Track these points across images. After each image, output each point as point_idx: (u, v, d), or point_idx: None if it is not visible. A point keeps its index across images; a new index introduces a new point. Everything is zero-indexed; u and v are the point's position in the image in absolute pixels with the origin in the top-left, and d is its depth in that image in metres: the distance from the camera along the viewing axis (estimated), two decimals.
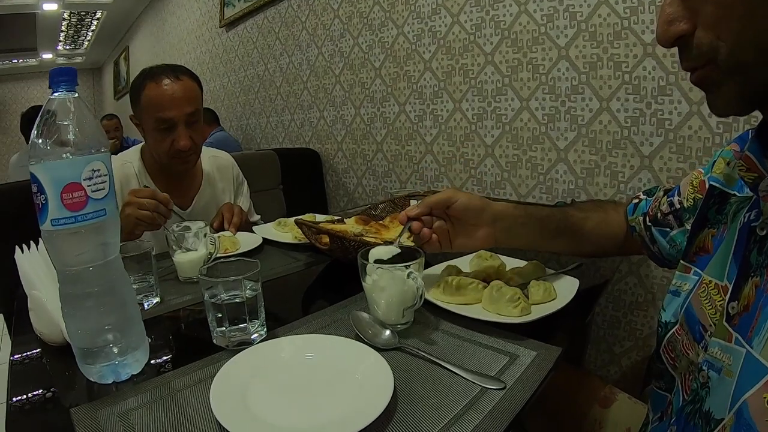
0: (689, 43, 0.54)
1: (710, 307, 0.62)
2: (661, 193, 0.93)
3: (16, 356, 0.85)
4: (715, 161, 0.77)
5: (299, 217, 1.37)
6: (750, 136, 0.65)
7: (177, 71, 1.54)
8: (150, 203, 1.27)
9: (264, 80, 3.62)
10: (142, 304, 0.99)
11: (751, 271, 0.57)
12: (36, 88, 9.31)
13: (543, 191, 2.01)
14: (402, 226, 0.94)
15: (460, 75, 2.25)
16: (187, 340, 0.94)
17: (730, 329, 0.56)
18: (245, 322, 0.81)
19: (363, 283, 0.87)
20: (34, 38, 7.37)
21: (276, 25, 3.37)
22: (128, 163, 1.64)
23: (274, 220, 1.62)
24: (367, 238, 1.18)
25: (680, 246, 0.83)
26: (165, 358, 0.82)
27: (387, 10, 2.54)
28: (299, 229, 1.31)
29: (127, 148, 4.36)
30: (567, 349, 0.80)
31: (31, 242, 0.91)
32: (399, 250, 0.89)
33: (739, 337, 0.54)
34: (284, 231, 1.51)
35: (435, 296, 0.95)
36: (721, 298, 0.61)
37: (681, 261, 0.74)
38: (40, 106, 0.66)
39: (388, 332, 0.82)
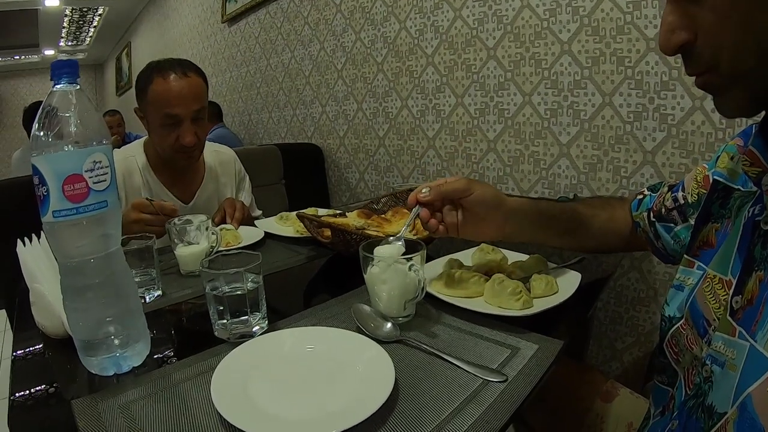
0: (691, 50, 0.55)
1: (714, 301, 0.62)
2: (666, 189, 0.92)
3: (17, 351, 0.85)
4: (719, 156, 0.77)
5: (301, 211, 1.37)
6: (753, 131, 0.65)
7: (185, 67, 1.54)
8: (158, 219, 1.27)
9: (266, 75, 3.62)
10: (144, 297, 0.99)
11: (755, 265, 0.57)
12: (38, 84, 9.32)
13: (545, 186, 2.01)
14: (408, 214, 0.92)
15: (462, 70, 2.24)
16: (189, 333, 0.94)
17: (733, 323, 0.56)
18: (246, 315, 0.81)
19: (364, 276, 0.87)
20: (36, 34, 7.38)
21: (278, 20, 3.36)
22: (131, 156, 1.64)
23: (276, 215, 1.62)
24: (369, 232, 1.18)
25: (684, 241, 0.83)
26: (166, 350, 0.82)
27: (389, 4, 2.53)
28: (301, 223, 1.31)
29: (129, 143, 4.33)
30: (568, 344, 0.80)
31: (33, 235, 0.91)
32: (404, 250, 0.87)
33: (743, 331, 0.54)
34: (286, 225, 1.51)
35: (437, 289, 0.95)
36: (725, 293, 0.60)
37: (685, 256, 0.74)
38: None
39: (389, 325, 0.81)
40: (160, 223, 1.25)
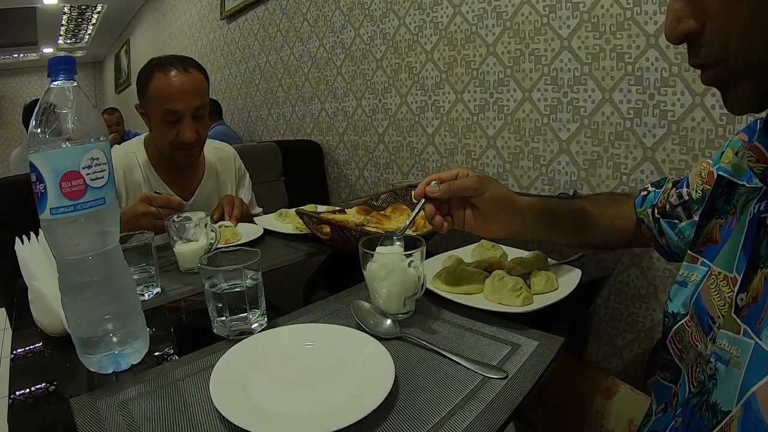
0: (698, 40, 0.53)
1: (719, 298, 0.61)
2: (670, 185, 0.92)
3: (16, 349, 0.85)
4: (723, 151, 0.76)
5: (300, 207, 1.36)
6: (758, 127, 0.65)
7: (186, 63, 1.54)
8: (166, 213, 1.27)
9: (265, 72, 3.61)
10: (142, 295, 0.99)
11: (761, 262, 0.56)
12: (37, 82, 9.30)
13: (545, 183, 2.01)
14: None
15: (461, 66, 2.24)
16: (188, 330, 0.94)
17: (738, 321, 0.55)
18: (245, 312, 0.81)
19: (364, 272, 0.86)
20: (34, 32, 7.35)
21: (277, 16, 3.36)
22: (131, 153, 1.64)
23: (275, 212, 1.61)
24: (368, 228, 1.17)
25: (688, 238, 0.82)
26: (165, 348, 0.81)
27: (389, 0, 2.53)
28: (300, 220, 1.31)
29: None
30: (569, 341, 0.79)
31: (31, 233, 0.91)
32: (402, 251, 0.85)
33: (748, 329, 0.53)
34: (285, 222, 1.51)
35: (436, 286, 0.95)
36: (729, 290, 0.60)
37: (688, 251, 0.73)
38: None
39: (389, 321, 0.81)
40: (167, 216, 1.24)
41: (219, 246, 1.17)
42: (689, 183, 0.85)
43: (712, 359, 0.58)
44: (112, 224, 0.71)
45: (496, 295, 0.89)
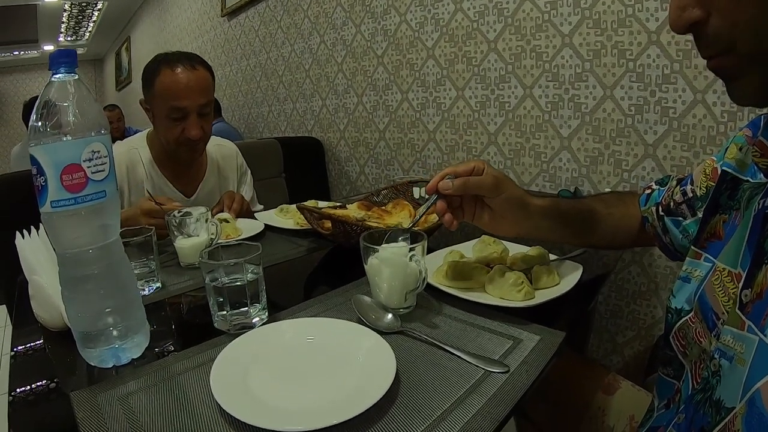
0: (704, 29, 0.52)
1: (723, 294, 0.61)
2: (674, 183, 0.91)
3: (17, 345, 0.85)
4: (727, 147, 0.76)
5: (301, 203, 1.36)
6: (762, 122, 0.64)
7: (193, 60, 1.54)
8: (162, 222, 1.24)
9: (266, 69, 3.61)
10: (143, 289, 0.99)
11: (766, 258, 0.56)
12: (37, 79, 9.30)
13: (546, 179, 2.01)
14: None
15: (463, 63, 2.24)
16: (188, 325, 0.94)
17: (742, 317, 0.55)
18: (246, 306, 0.80)
19: (365, 266, 0.86)
20: (35, 30, 7.35)
21: (278, 13, 3.35)
22: (134, 149, 1.64)
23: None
24: (369, 223, 1.17)
25: (693, 236, 0.82)
26: (166, 342, 0.81)
27: None
28: (301, 215, 1.31)
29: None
30: (570, 337, 0.79)
31: (32, 227, 0.91)
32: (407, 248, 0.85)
33: (752, 325, 0.53)
34: (286, 217, 1.51)
35: (438, 280, 0.95)
36: (734, 286, 0.60)
37: (692, 247, 0.73)
38: None
39: (390, 316, 0.81)
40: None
41: (220, 241, 1.17)
42: (693, 180, 0.85)
43: (716, 355, 0.57)
44: (113, 217, 0.71)
45: (497, 290, 0.89)
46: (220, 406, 0.59)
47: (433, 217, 1.21)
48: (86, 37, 8.50)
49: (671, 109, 1.63)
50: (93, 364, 0.73)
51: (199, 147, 1.61)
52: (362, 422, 0.57)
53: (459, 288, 0.92)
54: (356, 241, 0.87)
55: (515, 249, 1.09)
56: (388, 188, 1.48)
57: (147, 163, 1.63)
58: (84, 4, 6.88)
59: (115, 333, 0.72)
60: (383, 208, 1.32)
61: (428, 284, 0.89)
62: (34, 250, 0.88)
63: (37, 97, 0.67)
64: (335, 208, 1.35)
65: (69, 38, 8.31)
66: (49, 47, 8.32)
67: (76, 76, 0.67)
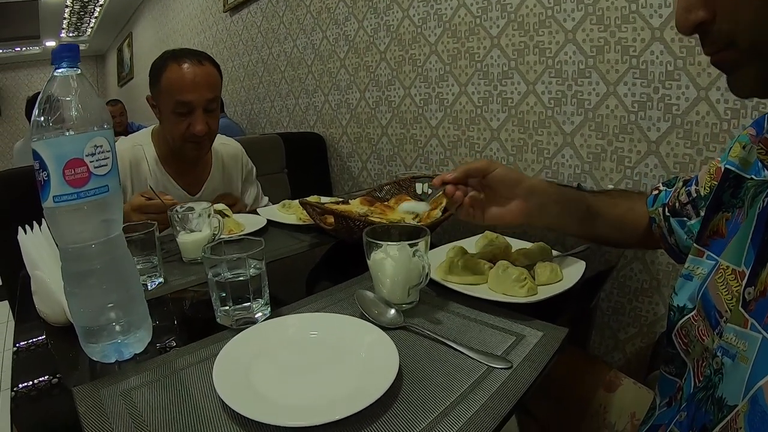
0: (709, 29, 0.53)
1: (726, 292, 0.61)
2: (681, 183, 0.91)
3: (19, 340, 0.85)
4: (731, 147, 0.75)
5: (304, 198, 1.36)
6: (767, 121, 0.64)
7: (200, 56, 1.55)
8: (163, 218, 1.21)
9: (268, 65, 3.60)
10: (146, 285, 0.99)
11: None
12: (39, 76, 9.29)
13: (549, 176, 2.00)
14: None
15: (465, 58, 2.23)
16: (191, 320, 0.94)
17: (745, 315, 0.55)
18: (249, 301, 0.81)
19: (368, 261, 0.86)
20: (36, 26, 7.35)
21: (280, 9, 3.34)
22: (138, 146, 1.64)
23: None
24: (372, 218, 1.17)
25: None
26: (168, 337, 0.81)
27: None
28: (304, 210, 1.31)
29: (132, 133, 4.32)
30: (572, 333, 0.79)
31: (34, 222, 0.91)
32: (429, 207, 0.94)
33: (755, 323, 0.53)
34: (289, 213, 1.51)
35: (441, 276, 0.95)
36: (737, 284, 0.60)
37: (694, 245, 0.73)
38: None
39: (393, 311, 0.81)
40: (163, 219, 1.21)
41: (222, 236, 1.17)
42: (698, 181, 0.85)
43: (718, 353, 0.57)
44: (116, 212, 0.71)
45: (500, 286, 0.89)
46: (222, 401, 0.59)
47: (436, 213, 1.21)
48: (88, 33, 8.50)
49: (674, 106, 1.62)
50: (95, 360, 0.73)
51: (204, 144, 1.61)
52: (365, 418, 0.57)
53: (462, 284, 0.92)
54: (359, 237, 0.86)
55: (518, 245, 1.09)
56: (391, 184, 1.47)
57: (151, 161, 1.63)
58: (85, 0, 6.87)
59: (117, 328, 0.72)
60: (386, 203, 1.32)
61: (431, 280, 0.89)
62: (36, 246, 0.88)
63: (39, 93, 0.67)
64: (338, 203, 1.35)
65: (71, 34, 8.31)
66: (50, 43, 8.32)
67: (79, 71, 0.67)
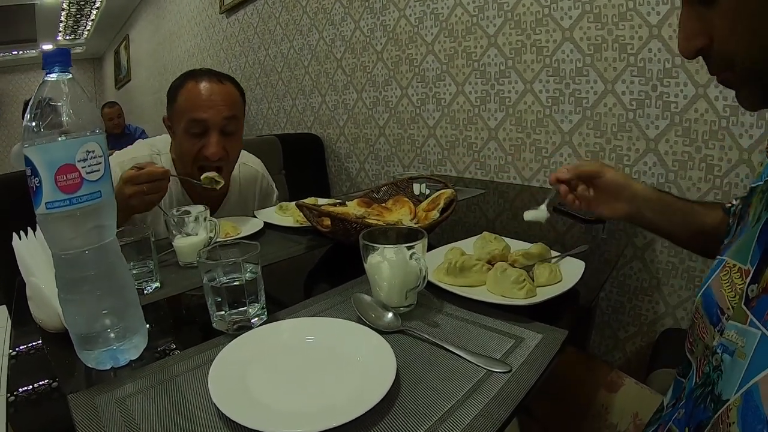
0: (710, 54, 0.59)
1: (730, 290, 0.61)
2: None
3: (15, 346, 0.85)
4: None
5: (301, 200, 1.35)
6: None
7: (221, 76, 1.44)
8: (154, 186, 1.19)
9: (265, 66, 3.60)
10: (141, 290, 0.98)
11: None
12: (36, 79, 9.25)
13: (547, 175, 2.00)
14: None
15: (462, 58, 2.23)
16: (187, 325, 0.93)
17: (747, 311, 0.55)
18: (245, 306, 0.80)
19: (365, 265, 0.85)
20: (33, 29, 7.34)
21: (276, 10, 3.34)
22: (156, 154, 1.54)
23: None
24: (369, 220, 1.16)
25: None
26: (164, 343, 0.80)
27: None
28: (301, 213, 1.30)
29: (129, 135, 4.30)
30: (572, 334, 0.78)
31: (29, 228, 0.90)
32: (548, 215, 1.00)
33: (755, 320, 0.53)
34: (286, 215, 1.50)
35: (439, 278, 0.94)
36: (741, 282, 0.60)
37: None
38: None
39: (390, 315, 0.80)
40: (157, 189, 1.19)
41: (218, 240, 1.16)
42: None
43: (718, 351, 0.57)
44: (109, 218, 0.70)
45: (498, 288, 0.88)
46: (218, 408, 0.58)
47: (434, 214, 1.20)
48: (85, 36, 8.49)
49: (673, 103, 1.62)
50: (91, 366, 0.72)
51: (222, 171, 1.43)
52: (362, 424, 0.56)
53: (460, 286, 0.92)
54: (356, 239, 0.86)
55: (517, 246, 1.08)
56: (389, 185, 1.47)
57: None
58: (82, 3, 6.87)
59: (112, 335, 0.71)
60: (383, 204, 1.31)
61: (429, 282, 0.88)
62: (31, 252, 0.87)
63: None
64: (335, 205, 1.34)
65: (68, 37, 8.30)
66: (47, 46, 8.31)
67: (70, 76, 0.66)
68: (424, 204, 1.29)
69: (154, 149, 1.56)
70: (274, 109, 3.59)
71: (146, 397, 0.65)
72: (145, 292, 0.99)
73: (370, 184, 2.85)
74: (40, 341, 0.84)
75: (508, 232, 1.17)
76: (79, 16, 7.41)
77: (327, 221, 1.19)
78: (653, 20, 1.61)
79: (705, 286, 0.66)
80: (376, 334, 0.74)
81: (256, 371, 0.67)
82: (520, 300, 0.85)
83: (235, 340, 0.73)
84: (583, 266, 0.97)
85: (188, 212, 1.15)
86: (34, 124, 0.63)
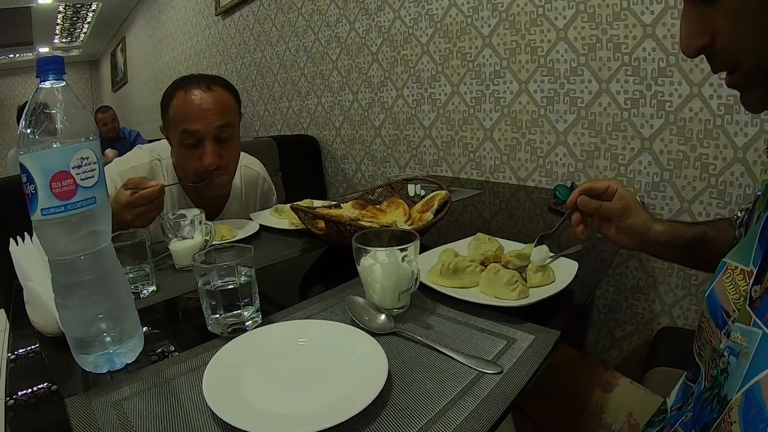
0: (712, 52, 0.58)
1: (734, 292, 0.61)
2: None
3: (14, 350, 0.85)
4: None
5: (296, 203, 1.36)
6: None
7: (210, 80, 1.42)
8: (152, 207, 1.19)
9: (261, 67, 3.60)
10: (137, 293, 0.98)
11: None
12: (33, 82, 9.21)
13: (542, 174, 2.00)
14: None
15: (457, 58, 2.23)
16: (183, 328, 0.94)
17: (751, 312, 0.55)
18: (239, 309, 0.80)
19: (358, 267, 0.86)
20: (29, 32, 7.32)
21: (272, 11, 3.34)
22: (156, 159, 1.53)
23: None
24: (362, 223, 1.17)
25: None
26: (160, 346, 0.81)
27: None
28: (295, 215, 1.30)
29: (124, 138, 4.28)
30: (567, 333, 0.79)
31: (26, 233, 0.91)
32: (550, 256, 1.00)
33: (757, 320, 0.53)
34: (281, 217, 1.50)
35: (432, 280, 0.94)
36: (745, 283, 0.60)
37: None
38: None
39: (383, 317, 0.81)
40: (156, 206, 1.19)
41: (214, 243, 1.16)
42: None
43: (725, 353, 0.57)
44: (104, 224, 0.71)
45: (491, 289, 0.89)
46: (212, 411, 0.59)
47: (428, 216, 1.21)
48: (81, 39, 8.48)
49: (667, 102, 1.63)
50: (88, 370, 0.73)
51: (221, 179, 1.44)
52: (354, 425, 0.57)
53: (453, 287, 0.92)
54: (350, 241, 0.86)
55: (510, 246, 1.09)
56: (383, 186, 1.47)
57: (168, 177, 1.52)
58: (78, 6, 6.86)
59: (108, 339, 0.72)
60: (378, 206, 1.32)
61: (422, 284, 0.89)
62: (27, 257, 0.87)
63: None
64: (330, 207, 1.34)
65: (64, 40, 8.29)
66: (44, 49, 8.31)
67: (64, 83, 0.67)
68: (418, 205, 1.29)
69: (154, 155, 1.54)
70: (270, 111, 3.60)
71: (142, 400, 0.65)
72: (141, 295, 0.99)
73: (366, 185, 2.86)
74: (37, 345, 0.84)
75: (504, 232, 1.18)
76: (75, 18, 7.40)
77: (321, 224, 1.20)
78: (647, 20, 1.62)
79: (709, 290, 0.67)
80: (369, 336, 0.74)
81: (250, 374, 0.68)
82: (512, 301, 0.85)
83: (229, 343, 0.74)
84: (577, 267, 0.97)
85: (184, 216, 1.16)
86: (28, 131, 0.63)
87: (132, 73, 7.53)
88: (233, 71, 3.98)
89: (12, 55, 8.42)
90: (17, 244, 0.90)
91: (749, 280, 0.59)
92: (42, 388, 0.73)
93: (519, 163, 2.08)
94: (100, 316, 0.71)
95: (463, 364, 0.70)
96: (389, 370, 0.65)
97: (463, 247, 1.10)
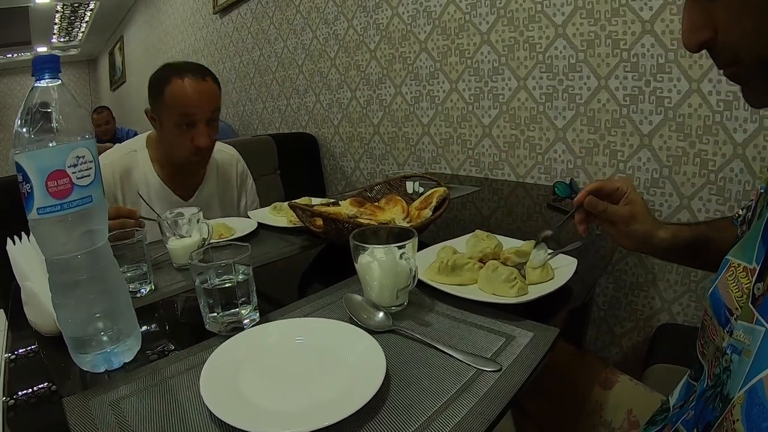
0: (714, 46, 0.58)
1: (737, 290, 0.61)
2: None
3: (13, 350, 0.85)
4: None
5: (294, 200, 1.36)
6: None
7: (201, 71, 1.55)
8: (118, 223, 1.21)
9: (259, 66, 3.59)
10: (135, 292, 0.98)
11: None
12: (31, 82, 9.23)
13: (541, 171, 2.00)
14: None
15: (456, 55, 2.23)
16: (181, 327, 0.93)
17: (753, 310, 0.54)
18: (237, 307, 0.80)
19: (356, 265, 0.85)
20: (27, 32, 7.31)
21: (270, 9, 3.34)
22: (132, 152, 1.63)
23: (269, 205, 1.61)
24: (360, 220, 1.16)
25: None
26: (157, 345, 0.81)
27: None
28: (293, 213, 1.30)
29: (120, 139, 4.31)
30: (566, 330, 0.79)
31: (23, 233, 0.90)
32: (549, 253, 0.96)
33: (760, 317, 0.52)
34: (279, 215, 1.50)
35: (430, 277, 0.94)
36: (748, 281, 0.59)
37: None
38: None
39: (381, 314, 0.81)
40: (132, 226, 1.19)
41: (212, 241, 1.16)
42: None
43: (728, 351, 0.57)
44: (100, 222, 0.71)
45: (490, 286, 0.89)
46: (209, 409, 0.59)
47: (426, 213, 1.20)
48: (79, 38, 8.47)
49: (666, 98, 1.62)
50: (85, 369, 0.73)
51: (207, 155, 1.62)
52: (352, 424, 0.57)
53: (451, 284, 0.92)
54: (348, 239, 0.86)
55: (509, 243, 1.09)
56: (382, 183, 1.47)
57: (144, 166, 1.61)
58: (76, 5, 6.84)
59: (105, 338, 0.72)
60: (376, 204, 1.32)
61: (421, 281, 0.88)
62: (25, 256, 0.87)
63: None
64: (328, 205, 1.34)
65: (62, 39, 8.28)
66: (42, 48, 8.29)
67: (60, 81, 0.66)
68: (416, 203, 1.29)
69: (130, 148, 1.65)
70: (269, 109, 3.59)
71: (139, 399, 0.65)
72: (139, 294, 0.99)
73: (365, 182, 2.86)
74: (36, 345, 0.84)
75: (502, 229, 1.17)
76: (73, 17, 7.38)
77: (319, 221, 1.19)
78: (646, 15, 1.62)
79: (712, 288, 0.66)
80: (367, 334, 0.74)
81: (248, 372, 0.68)
82: (511, 298, 0.85)
83: (226, 342, 0.74)
84: (576, 263, 0.97)
85: (182, 214, 1.15)
86: (24, 130, 0.63)
87: (130, 71, 7.52)
88: (231, 69, 3.97)
89: (10, 55, 8.40)
90: (14, 244, 0.90)
91: (752, 277, 0.59)
92: (42, 388, 0.73)
93: (518, 159, 2.08)
94: (97, 315, 0.71)
95: (462, 361, 0.70)
96: (387, 368, 0.65)
97: (461, 244, 1.10)
